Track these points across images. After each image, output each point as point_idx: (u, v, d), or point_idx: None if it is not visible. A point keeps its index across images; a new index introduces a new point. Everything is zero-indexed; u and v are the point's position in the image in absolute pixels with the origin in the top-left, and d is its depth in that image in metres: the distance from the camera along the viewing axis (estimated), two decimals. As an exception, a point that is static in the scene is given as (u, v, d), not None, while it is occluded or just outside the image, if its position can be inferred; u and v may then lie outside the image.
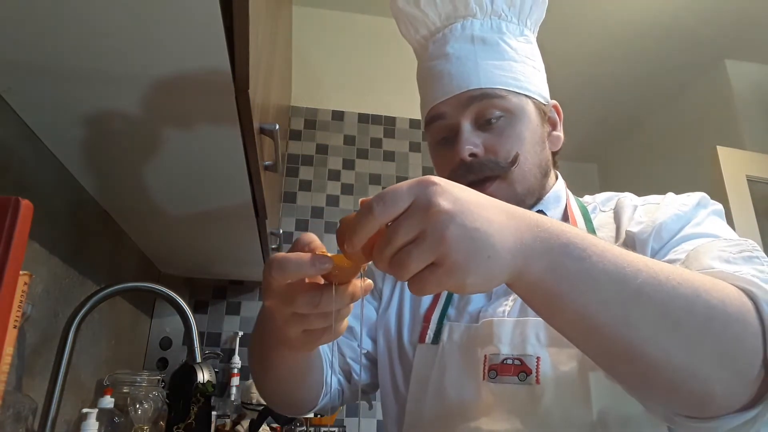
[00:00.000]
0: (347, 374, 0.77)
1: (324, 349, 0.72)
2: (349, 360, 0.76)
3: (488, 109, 0.67)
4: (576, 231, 0.41)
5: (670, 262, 0.55)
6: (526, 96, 0.69)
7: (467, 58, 0.69)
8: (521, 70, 0.70)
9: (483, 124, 0.68)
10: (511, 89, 0.68)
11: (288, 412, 0.75)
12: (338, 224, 0.40)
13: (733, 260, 0.50)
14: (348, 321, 0.76)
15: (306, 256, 0.39)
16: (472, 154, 0.66)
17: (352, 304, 0.42)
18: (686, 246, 0.57)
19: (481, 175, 0.66)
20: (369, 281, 0.43)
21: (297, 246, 0.42)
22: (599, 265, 0.40)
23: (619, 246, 0.61)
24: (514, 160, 0.66)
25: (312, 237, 0.43)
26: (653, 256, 0.59)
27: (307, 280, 0.41)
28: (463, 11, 0.71)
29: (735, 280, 0.45)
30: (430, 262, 0.36)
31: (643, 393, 0.46)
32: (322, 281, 0.41)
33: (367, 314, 0.78)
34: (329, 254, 0.40)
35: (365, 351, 0.78)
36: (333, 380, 0.74)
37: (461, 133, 0.67)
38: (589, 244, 0.40)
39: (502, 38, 0.70)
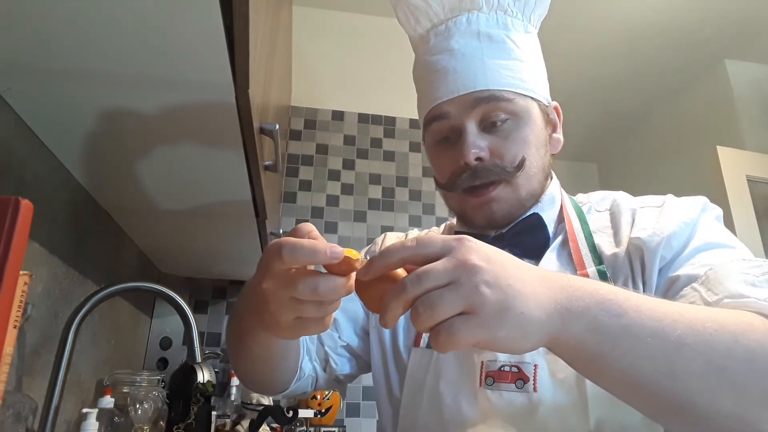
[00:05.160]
0: (323, 362, 0.76)
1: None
2: (327, 349, 0.75)
3: (495, 111, 0.65)
4: (609, 287, 0.41)
5: (688, 276, 0.55)
6: (531, 98, 0.68)
7: (473, 55, 0.66)
8: (527, 71, 0.68)
9: (488, 126, 0.66)
10: (518, 91, 0.66)
11: (258, 391, 0.75)
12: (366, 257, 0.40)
13: (758, 283, 0.50)
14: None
15: (319, 243, 0.39)
16: (478, 158, 0.64)
17: (339, 300, 0.42)
18: (702, 258, 0.56)
19: (487, 179, 0.65)
20: None
21: (297, 233, 0.42)
22: (638, 320, 0.40)
23: (622, 253, 0.61)
24: (521, 165, 0.65)
25: (312, 227, 0.43)
26: (663, 265, 0.59)
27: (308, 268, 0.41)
28: (469, 4, 0.68)
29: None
30: (459, 311, 0.36)
31: None
32: (323, 270, 0.41)
33: (353, 308, 0.77)
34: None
35: (345, 344, 0.77)
36: (308, 366, 0.73)
37: (466, 135, 0.65)
38: (624, 299, 0.40)
39: (508, 35, 0.68)
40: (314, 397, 1.65)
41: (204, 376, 1.26)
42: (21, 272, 0.49)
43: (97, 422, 0.97)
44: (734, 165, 2.10)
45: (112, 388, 1.12)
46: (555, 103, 0.74)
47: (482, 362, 0.62)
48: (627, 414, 0.54)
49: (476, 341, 0.36)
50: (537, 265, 0.65)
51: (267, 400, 1.55)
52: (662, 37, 2.32)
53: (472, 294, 0.35)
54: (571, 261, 0.64)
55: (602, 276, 0.60)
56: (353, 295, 0.80)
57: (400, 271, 0.40)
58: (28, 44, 0.59)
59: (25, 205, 0.47)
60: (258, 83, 0.72)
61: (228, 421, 1.52)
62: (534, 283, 0.38)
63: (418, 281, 0.36)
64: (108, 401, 1.07)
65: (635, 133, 3.08)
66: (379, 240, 0.86)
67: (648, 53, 2.43)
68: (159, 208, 1.07)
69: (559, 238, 0.68)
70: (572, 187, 0.77)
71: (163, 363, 1.66)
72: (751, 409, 0.41)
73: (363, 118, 2.14)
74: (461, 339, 0.35)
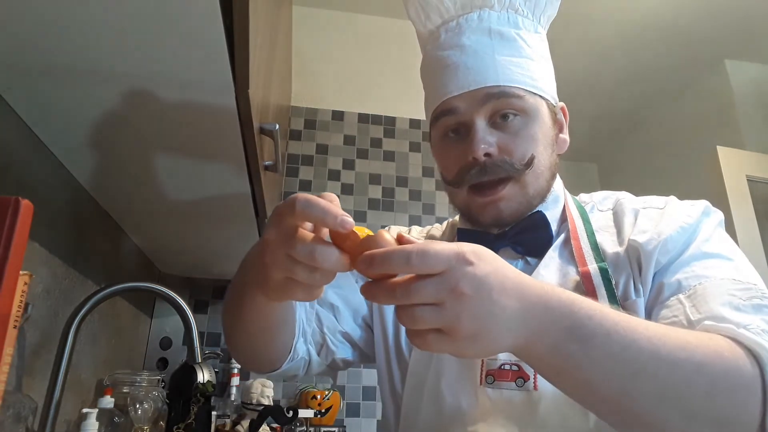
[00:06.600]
0: (319, 346, 0.74)
1: (300, 315, 0.70)
2: (326, 330, 0.73)
3: (504, 108, 0.65)
4: (586, 310, 0.43)
5: (680, 284, 0.56)
6: (540, 97, 0.68)
7: (484, 52, 0.66)
8: (537, 69, 0.68)
9: (497, 122, 0.66)
10: (528, 89, 0.66)
11: (250, 368, 0.75)
12: (368, 230, 0.40)
13: (743, 308, 0.50)
14: (332, 298, 0.75)
15: (334, 207, 0.39)
16: (487, 154, 0.64)
17: (333, 275, 0.42)
18: (696, 268, 0.57)
19: (495, 176, 0.65)
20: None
21: (321, 197, 0.42)
22: (602, 347, 0.42)
23: (623, 253, 0.61)
24: (530, 162, 0.65)
25: (335, 197, 0.42)
26: (658, 269, 0.59)
27: (314, 233, 0.41)
28: (480, 2, 0.68)
29: (744, 339, 0.46)
30: (436, 328, 0.39)
31: None
32: (327, 239, 0.41)
33: (355, 300, 0.76)
34: None
35: (344, 331, 0.76)
36: (302, 348, 0.71)
37: (475, 131, 0.65)
38: (598, 324, 0.42)
39: (519, 34, 0.68)
40: (314, 397, 1.65)
41: (204, 376, 1.26)
42: (21, 272, 0.49)
43: (97, 422, 0.97)
44: (734, 165, 2.10)
45: (112, 388, 1.12)
46: (562, 104, 0.74)
47: (482, 361, 0.62)
48: None
49: (444, 353, 0.40)
50: (539, 263, 0.65)
51: (267, 400, 1.55)
52: (662, 36, 2.32)
53: (452, 321, 0.38)
54: (572, 259, 0.64)
55: (604, 273, 0.60)
56: (356, 287, 0.80)
57: (389, 238, 0.40)
58: (28, 44, 0.59)
59: (25, 205, 0.47)
60: (258, 83, 0.72)
61: (228, 421, 1.52)
62: (514, 306, 0.40)
63: (406, 295, 0.38)
64: (108, 401, 1.07)
65: (635, 133, 3.07)
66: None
67: (648, 53, 2.43)
68: (159, 208, 1.07)
69: (562, 237, 0.68)
70: (572, 187, 0.77)
71: (163, 363, 1.66)
72: (702, 429, 0.44)
73: (363, 118, 2.14)
74: (431, 349, 0.40)
